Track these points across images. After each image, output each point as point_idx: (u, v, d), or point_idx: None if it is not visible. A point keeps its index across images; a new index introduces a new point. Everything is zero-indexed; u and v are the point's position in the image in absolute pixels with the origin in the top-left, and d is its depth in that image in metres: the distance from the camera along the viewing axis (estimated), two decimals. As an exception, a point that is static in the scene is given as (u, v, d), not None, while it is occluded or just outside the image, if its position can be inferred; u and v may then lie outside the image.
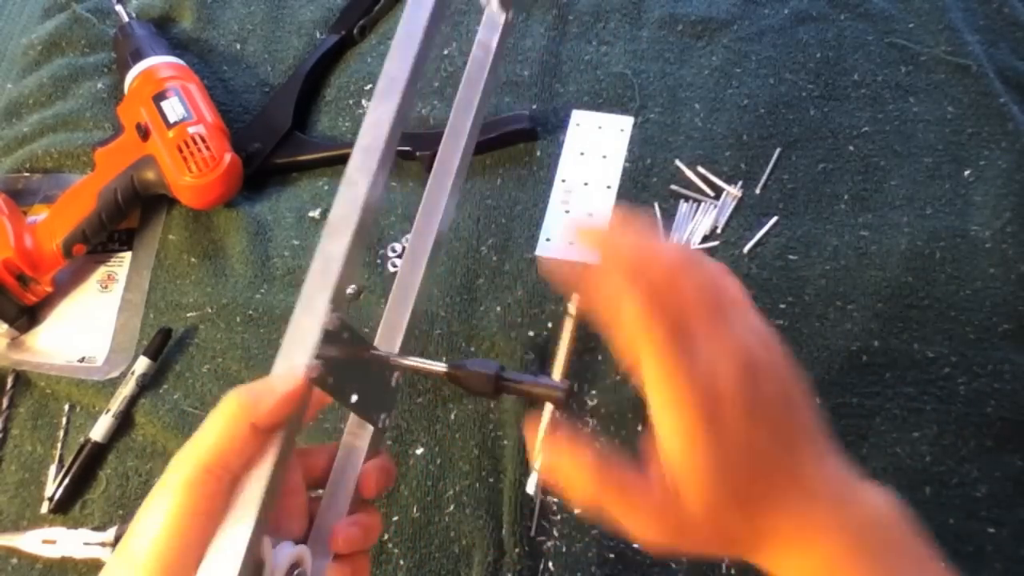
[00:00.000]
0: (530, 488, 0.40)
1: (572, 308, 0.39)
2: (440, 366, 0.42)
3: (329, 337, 0.36)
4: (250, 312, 0.68)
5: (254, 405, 0.35)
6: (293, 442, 0.37)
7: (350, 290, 0.67)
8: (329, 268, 0.37)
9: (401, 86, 0.40)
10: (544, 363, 0.62)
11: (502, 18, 0.50)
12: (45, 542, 0.61)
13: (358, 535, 0.40)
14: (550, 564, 0.57)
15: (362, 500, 0.42)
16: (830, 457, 0.39)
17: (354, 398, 0.40)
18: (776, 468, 0.37)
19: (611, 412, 0.60)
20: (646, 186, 0.69)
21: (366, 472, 0.42)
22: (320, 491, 0.43)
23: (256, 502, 0.34)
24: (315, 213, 0.72)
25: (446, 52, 0.78)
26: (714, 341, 0.37)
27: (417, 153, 0.71)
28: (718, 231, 0.66)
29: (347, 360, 0.39)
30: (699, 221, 0.67)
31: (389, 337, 0.46)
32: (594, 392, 0.61)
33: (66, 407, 0.67)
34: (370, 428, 0.43)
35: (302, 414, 0.36)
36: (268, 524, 0.35)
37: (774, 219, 0.66)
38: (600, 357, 0.62)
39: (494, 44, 0.50)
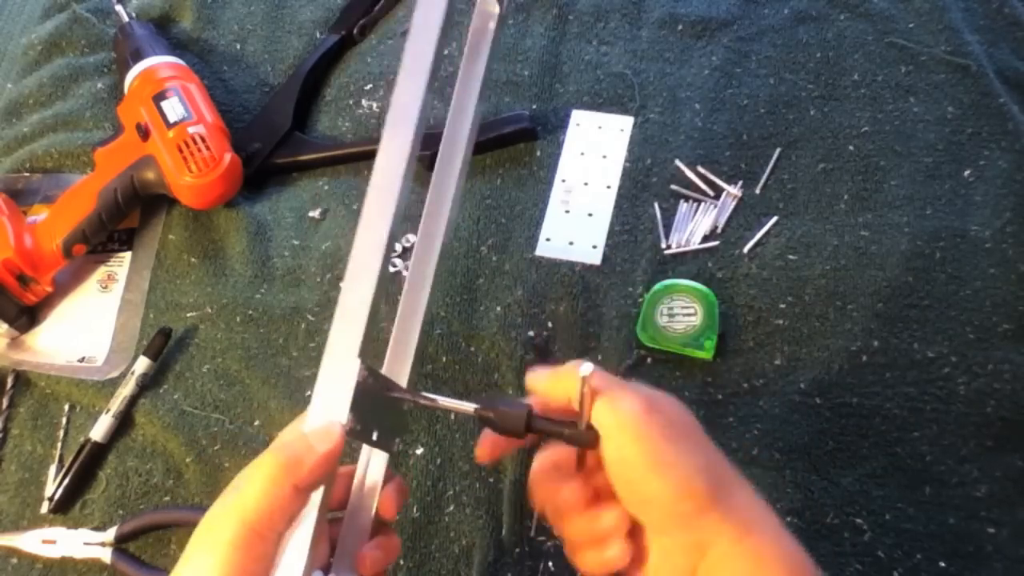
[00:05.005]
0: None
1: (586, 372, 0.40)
2: (469, 406, 0.42)
3: (360, 389, 0.37)
4: (250, 312, 0.68)
5: (296, 466, 0.36)
6: (331, 493, 0.38)
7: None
8: (355, 318, 0.37)
9: (415, 115, 0.39)
10: (544, 364, 0.62)
11: (496, 9, 0.49)
12: (45, 542, 0.61)
13: (381, 557, 0.42)
14: (550, 564, 0.57)
15: (380, 522, 0.44)
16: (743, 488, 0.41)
17: (375, 435, 0.40)
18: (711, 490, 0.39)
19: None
20: (646, 186, 0.69)
21: (385, 495, 0.43)
22: (336, 513, 0.44)
23: (302, 558, 0.35)
24: (315, 213, 0.72)
25: (445, 52, 0.78)
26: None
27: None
28: (718, 231, 0.66)
29: (373, 404, 0.39)
30: (699, 221, 0.67)
31: (398, 360, 0.46)
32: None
33: (66, 407, 0.66)
34: (386, 454, 0.43)
35: (336, 466, 0.37)
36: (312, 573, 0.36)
37: (774, 219, 0.66)
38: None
39: (489, 37, 0.48)
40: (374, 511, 0.43)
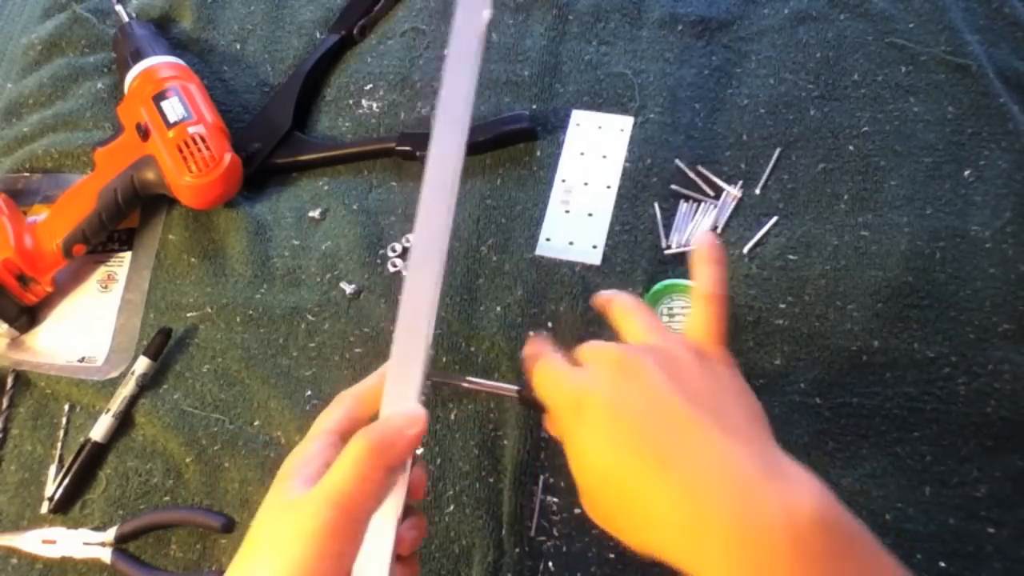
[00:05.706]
0: None
1: None
2: (512, 389, 0.46)
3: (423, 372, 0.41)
4: (250, 312, 0.68)
5: (388, 448, 0.38)
6: (408, 476, 0.40)
7: (349, 290, 0.67)
8: (422, 308, 0.41)
9: (463, 114, 0.43)
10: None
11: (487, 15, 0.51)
12: (45, 542, 0.61)
13: (417, 537, 0.43)
14: (550, 564, 0.57)
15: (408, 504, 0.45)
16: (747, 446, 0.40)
17: None
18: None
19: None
20: (646, 186, 0.69)
21: (414, 478, 0.45)
22: None
23: (390, 539, 0.38)
24: (315, 213, 0.72)
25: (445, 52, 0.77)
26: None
27: (417, 153, 0.71)
28: (718, 231, 0.66)
29: (423, 388, 0.42)
30: (699, 221, 0.67)
31: (405, 360, 0.48)
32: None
33: (66, 407, 0.67)
34: None
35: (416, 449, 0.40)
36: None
37: (774, 219, 0.66)
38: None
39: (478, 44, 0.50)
40: (405, 493, 0.44)
